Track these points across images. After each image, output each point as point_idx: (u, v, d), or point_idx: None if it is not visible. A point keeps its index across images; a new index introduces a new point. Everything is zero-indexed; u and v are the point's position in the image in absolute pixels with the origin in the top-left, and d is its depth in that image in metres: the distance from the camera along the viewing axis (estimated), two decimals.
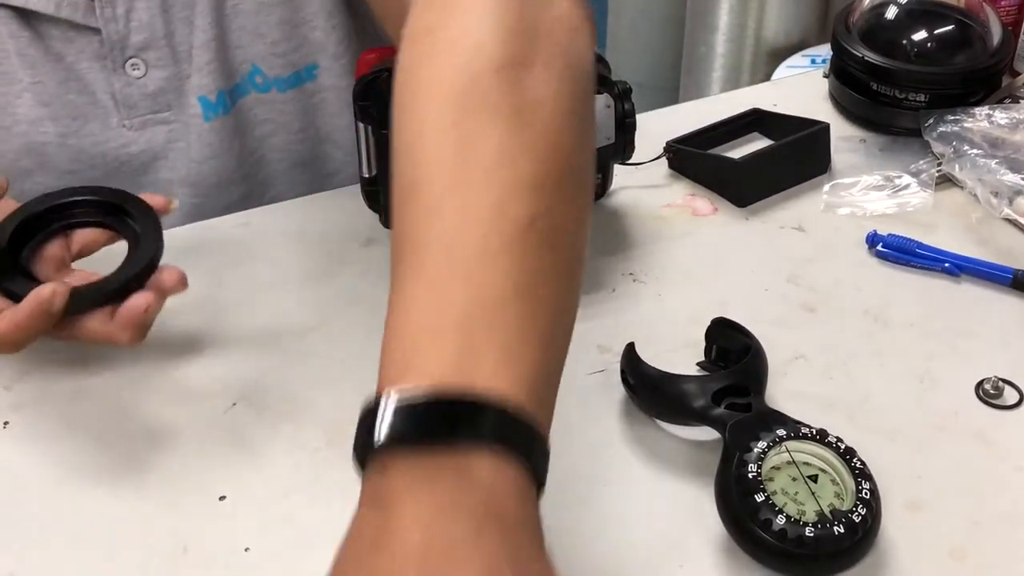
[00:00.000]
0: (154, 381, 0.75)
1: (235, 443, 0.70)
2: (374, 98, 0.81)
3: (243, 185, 0.98)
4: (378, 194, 0.83)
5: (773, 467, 0.63)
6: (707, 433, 0.68)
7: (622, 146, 0.85)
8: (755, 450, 0.63)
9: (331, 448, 0.70)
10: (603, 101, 0.82)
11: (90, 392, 0.74)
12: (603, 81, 0.81)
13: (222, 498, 0.67)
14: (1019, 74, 1.02)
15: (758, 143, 0.99)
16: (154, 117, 0.92)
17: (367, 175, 0.83)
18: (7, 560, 0.64)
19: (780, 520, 0.60)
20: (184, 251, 0.87)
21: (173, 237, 0.89)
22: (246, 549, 0.64)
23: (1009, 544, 0.64)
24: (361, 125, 0.81)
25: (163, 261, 0.71)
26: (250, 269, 0.85)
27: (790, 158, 0.94)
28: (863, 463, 0.63)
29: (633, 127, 0.85)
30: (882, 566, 0.63)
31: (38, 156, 0.91)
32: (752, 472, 0.62)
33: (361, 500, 0.47)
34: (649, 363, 0.71)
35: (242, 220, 0.91)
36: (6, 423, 0.72)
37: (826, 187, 0.91)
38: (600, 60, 0.82)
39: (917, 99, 0.96)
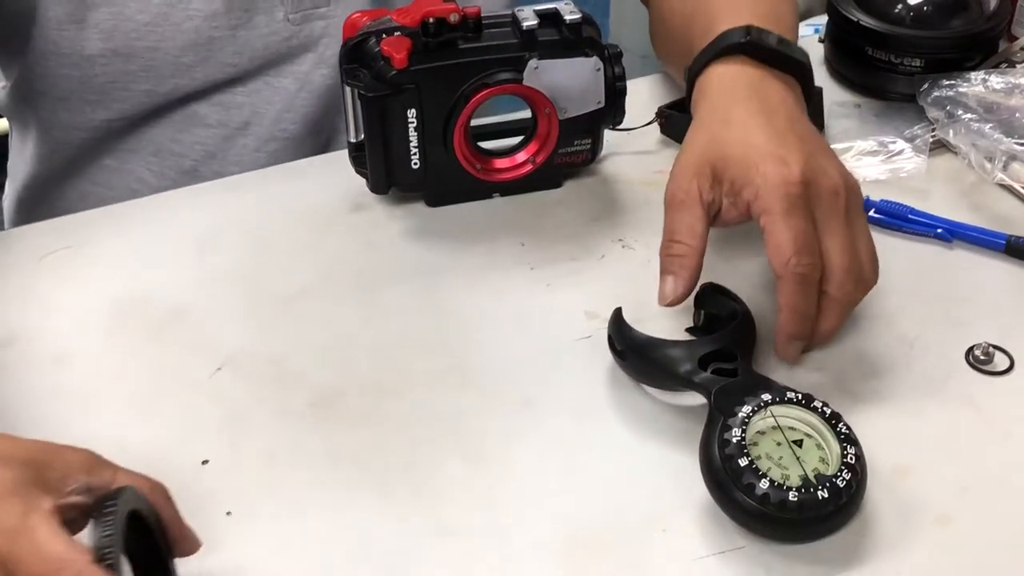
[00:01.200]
0: (139, 345, 0.75)
1: (219, 407, 0.70)
2: (361, 61, 0.80)
3: None
4: (365, 159, 0.83)
5: (758, 432, 0.63)
6: (694, 399, 0.68)
7: (612, 111, 0.84)
8: (740, 415, 0.63)
9: (315, 412, 0.69)
10: (592, 65, 0.81)
11: (72, 356, 0.74)
12: (592, 44, 0.81)
13: (205, 462, 0.67)
14: (1016, 38, 1.01)
15: None
16: (314, 12, 0.95)
17: (353, 140, 0.83)
18: None
19: (763, 484, 0.59)
20: (177, 212, 0.87)
21: (163, 200, 0.89)
22: (228, 513, 0.64)
23: (996, 510, 0.64)
24: (348, 89, 0.80)
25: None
26: (237, 234, 0.85)
27: None
28: (849, 428, 0.63)
29: (623, 91, 0.84)
30: (867, 531, 0.62)
31: (204, 51, 0.93)
32: (736, 437, 0.61)
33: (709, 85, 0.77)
34: (637, 329, 0.70)
35: (232, 184, 0.91)
36: None
37: None
38: (589, 22, 0.81)
39: (913, 64, 0.95)
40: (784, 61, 0.78)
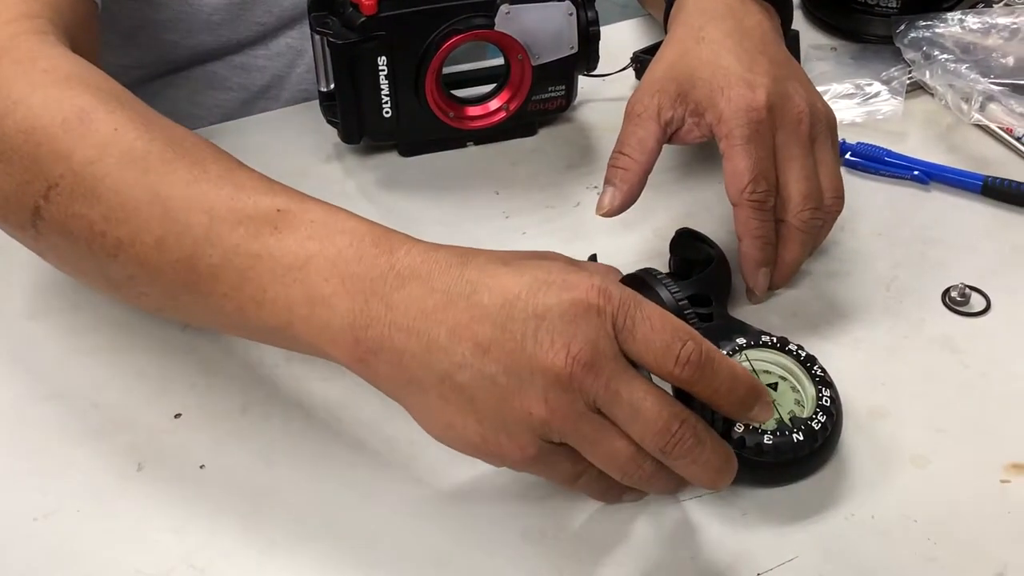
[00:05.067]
0: (109, 298, 0.74)
1: (191, 361, 0.69)
2: (329, 8, 0.79)
3: None
4: (336, 109, 0.82)
5: None
6: None
7: (586, 56, 0.83)
8: None
9: (289, 365, 0.69)
10: (564, 9, 0.80)
11: (46, 311, 0.73)
12: None
13: (177, 415, 0.66)
14: None
15: None
16: None
17: (324, 89, 0.82)
18: None
19: (739, 428, 0.59)
20: None
21: None
22: (201, 466, 0.63)
23: (972, 450, 0.64)
24: (317, 37, 0.79)
25: None
26: None
27: None
28: (824, 371, 0.63)
29: (597, 36, 0.83)
30: (843, 473, 0.62)
31: (237, 9, 0.92)
32: None
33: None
34: None
35: (203, 135, 0.89)
36: None
37: None
38: None
39: (889, 5, 0.94)
40: None
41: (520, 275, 0.53)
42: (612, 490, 0.57)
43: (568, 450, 0.54)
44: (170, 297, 0.60)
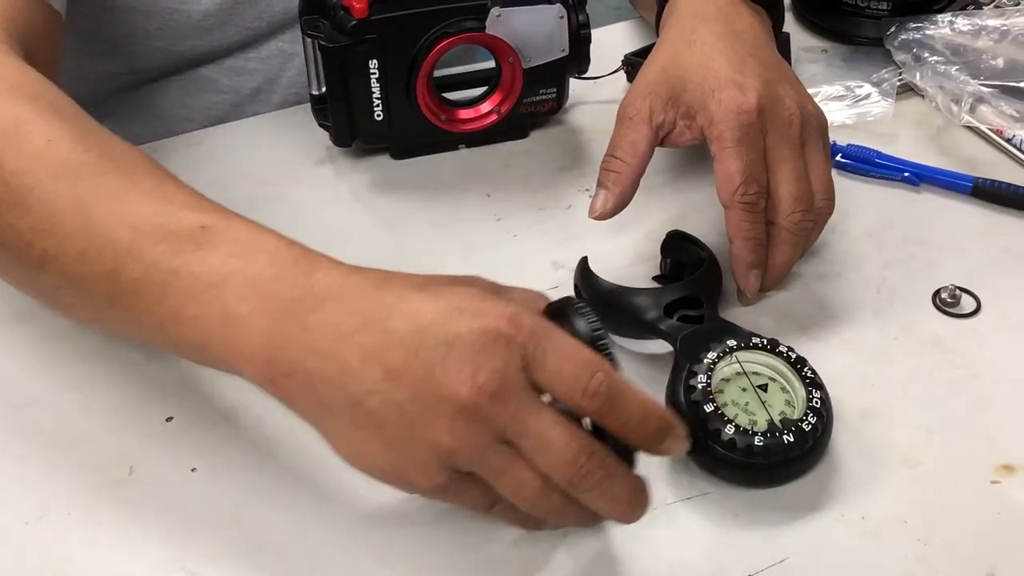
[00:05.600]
0: None
1: (182, 364, 0.69)
2: (321, 11, 0.79)
3: None
4: (327, 112, 0.82)
5: (723, 379, 0.63)
6: (660, 346, 0.68)
7: (577, 59, 0.83)
8: (705, 361, 0.62)
9: None
10: (555, 12, 0.80)
11: (36, 315, 0.73)
12: None
13: (169, 419, 0.66)
14: None
15: None
16: None
17: (316, 92, 0.82)
18: None
19: (729, 430, 0.59)
20: None
21: None
22: (193, 469, 0.63)
23: (962, 450, 0.64)
24: (308, 40, 0.79)
25: None
26: (203, 188, 0.83)
27: None
28: (814, 372, 0.63)
29: (588, 39, 0.83)
30: (834, 474, 0.62)
31: (226, 15, 0.92)
32: (701, 383, 0.61)
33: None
34: (603, 277, 0.70)
35: (195, 140, 0.90)
36: None
37: None
38: None
39: (880, 7, 0.95)
40: None
41: (434, 301, 0.53)
42: (530, 519, 0.56)
43: (479, 479, 0.53)
44: (95, 310, 0.60)
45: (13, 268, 0.62)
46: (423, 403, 0.51)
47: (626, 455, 0.55)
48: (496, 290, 0.57)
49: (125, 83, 0.95)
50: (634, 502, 0.54)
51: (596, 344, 0.54)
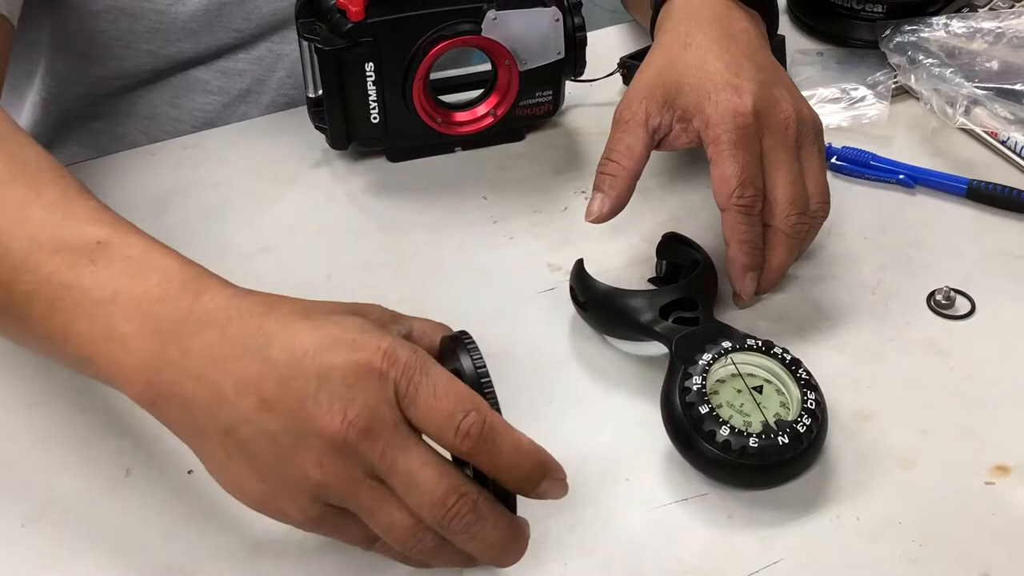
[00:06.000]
0: None
1: None
2: (317, 14, 0.79)
3: None
4: (324, 114, 0.82)
5: (718, 380, 0.63)
6: (656, 348, 0.68)
7: (573, 62, 0.84)
8: (700, 363, 0.63)
9: None
10: (551, 15, 0.80)
11: None
12: None
13: None
14: None
15: None
16: None
17: (312, 95, 0.82)
18: None
19: (724, 431, 0.60)
20: (135, 173, 0.86)
21: (122, 159, 0.88)
22: (189, 472, 0.63)
23: (957, 451, 0.64)
24: (305, 43, 0.79)
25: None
26: (199, 191, 0.84)
27: None
28: (809, 373, 0.63)
29: (584, 42, 0.83)
30: (829, 476, 0.63)
31: (214, 16, 0.91)
32: (696, 384, 0.61)
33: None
34: (599, 280, 0.70)
35: (192, 142, 0.90)
36: None
37: None
38: None
39: (874, 10, 0.95)
40: None
41: (315, 331, 0.52)
42: (414, 557, 0.55)
43: (354, 515, 0.53)
44: None
45: None
46: (294, 435, 0.51)
47: (507, 499, 0.54)
48: (390, 320, 0.57)
49: (114, 86, 0.95)
50: (508, 547, 0.53)
51: (479, 382, 0.53)
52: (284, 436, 0.51)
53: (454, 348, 0.55)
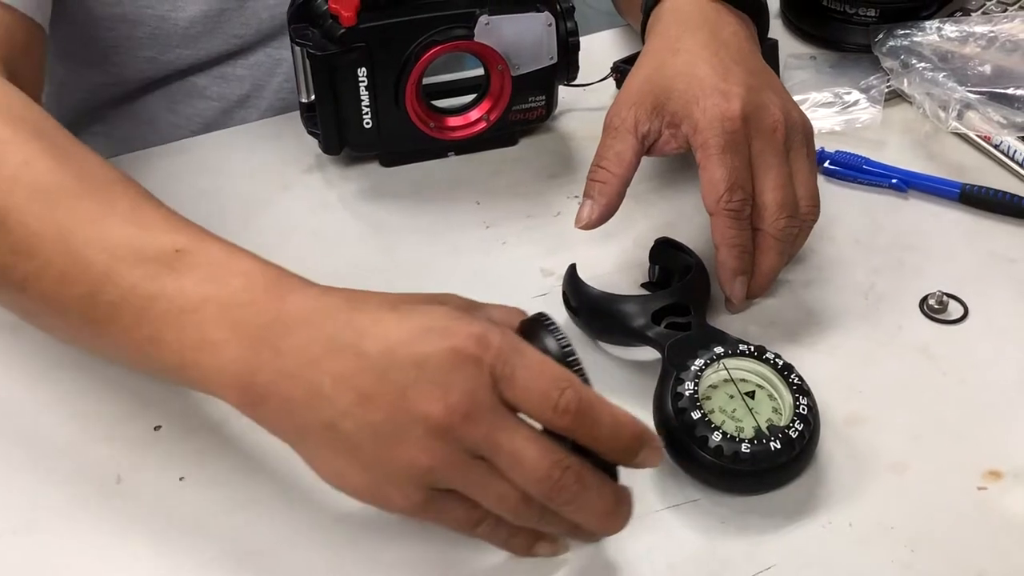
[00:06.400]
0: None
1: None
2: (309, 19, 0.79)
3: None
4: (316, 119, 0.82)
5: (711, 385, 0.63)
6: (648, 354, 0.68)
7: (565, 66, 0.84)
8: (692, 368, 0.63)
9: None
10: (543, 20, 0.80)
11: (26, 324, 0.73)
12: None
13: (157, 427, 0.66)
14: None
15: None
16: None
17: (305, 100, 0.82)
18: None
19: (716, 437, 0.60)
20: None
21: (121, 164, 0.88)
22: (181, 478, 0.63)
23: (950, 456, 0.64)
24: (297, 49, 0.79)
25: None
26: (191, 197, 0.83)
27: None
28: (801, 379, 0.63)
29: (576, 47, 0.83)
30: (821, 481, 0.63)
31: (212, 23, 0.91)
32: (688, 390, 0.61)
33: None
34: (591, 285, 0.70)
35: (186, 147, 0.90)
36: None
37: None
38: None
39: (868, 14, 0.95)
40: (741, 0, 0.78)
41: (404, 322, 0.53)
42: (515, 539, 0.57)
43: (460, 496, 0.54)
44: (75, 331, 0.61)
45: None
46: (397, 425, 0.52)
47: (608, 467, 0.55)
48: (470, 307, 0.58)
49: (114, 92, 0.95)
50: (614, 512, 0.55)
51: (566, 360, 0.54)
52: (386, 426, 0.52)
53: (536, 330, 0.56)
